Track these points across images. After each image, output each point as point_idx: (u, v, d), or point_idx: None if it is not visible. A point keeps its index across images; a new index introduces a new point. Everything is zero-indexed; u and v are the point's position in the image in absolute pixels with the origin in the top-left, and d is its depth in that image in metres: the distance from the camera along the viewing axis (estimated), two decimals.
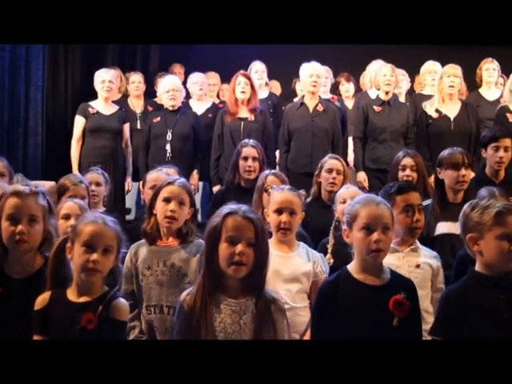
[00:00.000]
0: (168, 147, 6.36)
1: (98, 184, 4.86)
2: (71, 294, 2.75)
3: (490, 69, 7.15)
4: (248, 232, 2.69)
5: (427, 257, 3.68)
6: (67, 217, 3.72)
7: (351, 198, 3.88)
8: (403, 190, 3.74)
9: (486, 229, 2.84)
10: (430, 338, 2.95)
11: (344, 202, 4.11)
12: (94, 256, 2.69)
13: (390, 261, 3.08)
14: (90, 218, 2.79)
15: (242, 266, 2.67)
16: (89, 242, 2.71)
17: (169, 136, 6.39)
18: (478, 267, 2.91)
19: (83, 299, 2.73)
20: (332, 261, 3.81)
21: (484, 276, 2.86)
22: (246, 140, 5.49)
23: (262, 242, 2.73)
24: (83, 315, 2.66)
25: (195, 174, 6.46)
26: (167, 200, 3.48)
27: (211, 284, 2.72)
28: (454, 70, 6.27)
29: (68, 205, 3.80)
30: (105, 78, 6.62)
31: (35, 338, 2.71)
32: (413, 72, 7.91)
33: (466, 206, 3.00)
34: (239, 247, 2.66)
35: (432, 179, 5.18)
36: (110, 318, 2.71)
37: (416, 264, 3.59)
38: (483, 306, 2.79)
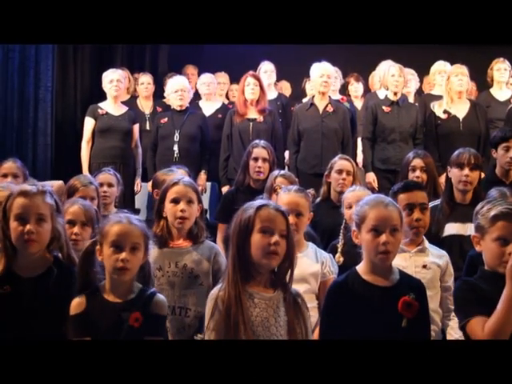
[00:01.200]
0: (175, 148, 6.37)
1: (110, 185, 4.85)
2: (107, 295, 2.78)
3: (501, 69, 7.12)
4: (281, 224, 2.74)
5: (435, 256, 3.67)
6: (72, 223, 3.61)
7: (357, 202, 3.91)
8: (407, 189, 3.75)
9: (484, 231, 2.85)
10: (437, 339, 2.94)
11: (350, 208, 4.09)
12: (123, 255, 2.73)
13: (397, 261, 3.06)
14: (115, 219, 2.82)
15: (276, 255, 2.71)
16: (116, 241, 2.75)
17: (176, 137, 6.39)
18: (486, 266, 2.90)
19: (122, 299, 2.76)
20: (342, 259, 3.81)
21: (493, 274, 2.84)
22: (257, 141, 5.49)
23: (291, 235, 2.79)
24: (131, 314, 2.70)
25: (202, 175, 6.46)
26: (176, 201, 3.48)
27: (243, 277, 2.72)
28: (461, 69, 6.25)
29: (73, 210, 3.66)
30: (113, 78, 6.63)
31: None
32: (422, 72, 7.89)
33: (477, 207, 3.00)
34: (275, 237, 2.69)
35: (442, 179, 5.18)
36: (154, 313, 2.77)
37: (423, 264, 3.58)
38: (493, 300, 2.76)
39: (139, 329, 2.70)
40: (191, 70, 8.26)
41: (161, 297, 2.85)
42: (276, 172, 4.73)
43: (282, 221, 2.75)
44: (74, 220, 3.64)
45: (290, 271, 2.80)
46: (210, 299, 2.76)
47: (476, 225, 2.92)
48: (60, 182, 4.44)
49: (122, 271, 2.73)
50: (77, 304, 2.76)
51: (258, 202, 2.80)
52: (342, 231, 4.06)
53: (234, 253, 2.76)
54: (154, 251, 3.45)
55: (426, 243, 3.69)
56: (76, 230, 3.61)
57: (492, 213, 2.83)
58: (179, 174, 4.51)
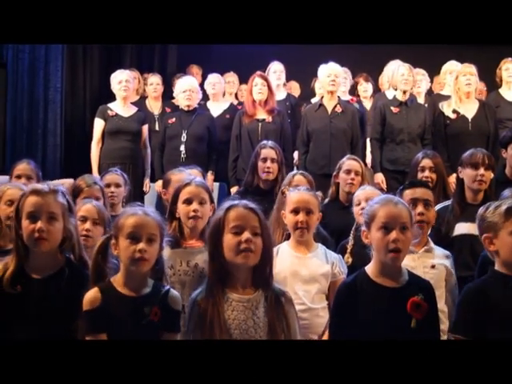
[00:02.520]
0: (182, 148, 6.37)
1: (117, 185, 4.87)
2: (122, 289, 2.77)
3: (509, 69, 7.08)
4: (252, 221, 2.75)
5: (441, 257, 3.68)
6: (83, 220, 3.68)
7: (366, 200, 3.94)
8: (412, 185, 3.79)
9: (498, 227, 2.85)
10: (445, 338, 2.94)
11: (359, 204, 4.11)
12: (140, 245, 2.72)
13: (406, 262, 3.07)
14: (130, 211, 2.82)
15: (250, 252, 2.71)
16: (132, 233, 2.74)
17: (183, 137, 6.39)
18: (497, 266, 2.91)
19: (137, 293, 2.77)
20: (350, 260, 3.81)
21: (504, 275, 2.86)
22: (265, 141, 5.48)
23: (266, 232, 2.79)
24: (152, 308, 2.71)
25: (209, 176, 6.44)
26: (188, 201, 3.49)
27: (219, 280, 2.75)
28: (469, 69, 6.23)
29: (86, 207, 3.75)
30: (121, 79, 6.65)
31: (89, 338, 2.71)
32: (432, 72, 7.87)
33: (480, 209, 3.02)
34: (245, 235, 2.70)
35: (451, 180, 5.17)
36: (171, 308, 2.79)
37: (431, 265, 3.59)
38: (502, 305, 2.78)
39: (157, 323, 2.72)
40: (195, 69, 8.28)
41: (175, 292, 2.87)
42: (294, 171, 4.74)
43: (254, 218, 2.76)
44: (86, 216, 3.69)
45: (268, 268, 2.80)
46: (190, 302, 2.81)
47: (485, 225, 2.91)
48: (70, 180, 4.44)
49: (140, 262, 2.72)
50: (92, 298, 2.74)
51: (227, 203, 2.81)
52: (352, 232, 4.06)
53: (210, 256, 2.80)
54: (166, 251, 3.47)
55: (432, 243, 3.69)
56: (87, 226, 3.65)
57: (504, 207, 2.84)
58: (189, 174, 4.52)
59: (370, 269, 2.91)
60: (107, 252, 2.84)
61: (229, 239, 2.72)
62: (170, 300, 2.80)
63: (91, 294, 2.75)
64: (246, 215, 2.75)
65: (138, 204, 3.03)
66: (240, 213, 2.75)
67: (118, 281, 2.79)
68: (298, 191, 3.72)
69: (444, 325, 3.43)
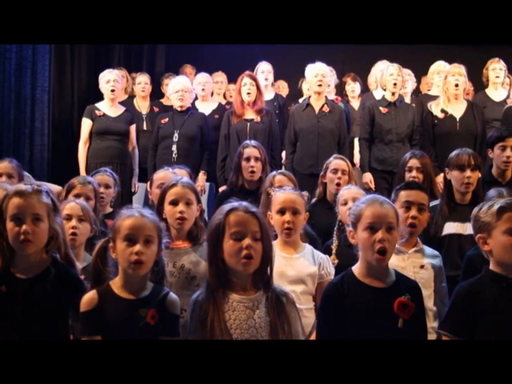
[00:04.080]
0: (174, 148, 6.37)
1: (107, 186, 4.87)
2: (120, 292, 2.76)
3: (496, 69, 7.13)
4: (253, 226, 2.73)
5: (430, 257, 3.68)
6: (69, 218, 3.70)
7: (352, 199, 3.96)
8: (408, 187, 3.78)
9: (491, 227, 2.87)
10: (435, 337, 2.95)
11: (345, 204, 4.11)
12: (137, 247, 2.71)
13: (396, 262, 3.08)
14: (127, 213, 2.80)
15: (251, 259, 2.69)
16: (129, 235, 2.73)
17: (175, 137, 6.39)
18: (491, 266, 2.93)
19: (135, 295, 2.75)
20: (336, 261, 3.81)
21: (498, 275, 2.89)
22: (248, 141, 5.49)
23: (266, 235, 2.77)
24: (148, 311, 2.70)
25: (202, 175, 6.46)
26: (174, 202, 3.49)
27: (219, 282, 2.73)
28: (458, 69, 6.25)
29: (70, 205, 3.78)
30: (109, 78, 6.64)
31: (84, 339, 2.70)
32: (419, 72, 7.89)
33: (474, 209, 3.03)
34: (246, 241, 2.68)
35: (439, 179, 5.18)
36: (169, 312, 2.77)
37: (420, 265, 3.59)
38: (495, 304, 2.81)
39: (154, 327, 2.70)
40: (189, 69, 8.27)
41: (174, 296, 2.84)
42: (275, 172, 4.73)
43: (254, 222, 2.74)
44: (70, 214, 3.71)
45: (269, 270, 2.80)
46: (190, 304, 2.79)
47: (479, 225, 2.94)
48: (58, 188, 4.43)
49: (137, 265, 2.70)
50: (89, 300, 2.72)
51: (227, 206, 2.78)
52: (335, 232, 4.08)
53: (209, 259, 2.78)
54: None
55: (421, 243, 3.70)
56: (73, 223, 3.66)
57: (496, 207, 2.87)
58: (173, 172, 4.52)
59: (356, 269, 2.91)
60: (106, 255, 2.82)
61: (230, 245, 2.70)
62: (168, 303, 2.78)
63: (88, 296, 2.74)
64: (247, 220, 2.73)
65: (134, 206, 3.01)
66: (241, 217, 2.72)
67: (116, 284, 2.78)
68: (283, 191, 3.70)
69: (433, 324, 3.44)
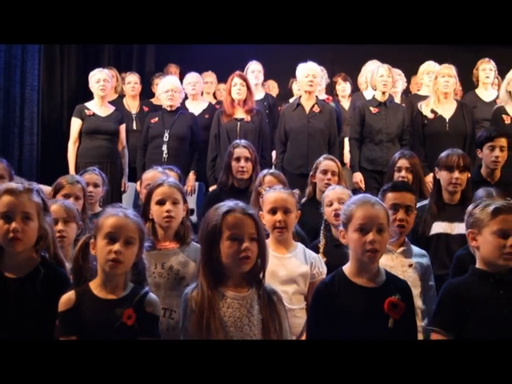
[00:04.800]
0: (164, 148, 6.36)
1: (95, 185, 4.86)
2: (98, 291, 2.75)
3: (486, 69, 7.14)
4: (249, 227, 2.74)
5: (418, 256, 3.70)
6: (54, 221, 3.57)
7: (338, 200, 3.99)
8: (396, 188, 3.78)
9: (483, 224, 2.91)
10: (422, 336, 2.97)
11: (331, 205, 4.12)
12: (116, 246, 2.70)
13: (384, 261, 3.09)
14: (111, 212, 2.80)
15: (248, 260, 2.71)
16: (110, 233, 2.72)
17: (166, 136, 6.38)
18: (478, 264, 2.97)
19: (114, 295, 2.74)
20: (324, 260, 3.82)
21: (484, 272, 2.92)
22: (238, 141, 5.49)
23: (261, 235, 2.79)
24: (124, 311, 2.68)
25: (192, 175, 6.47)
26: (161, 202, 3.49)
27: (212, 281, 2.73)
28: (449, 70, 6.27)
29: (54, 209, 3.64)
30: (100, 77, 6.61)
31: (62, 339, 2.69)
32: (409, 72, 7.91)
33: (470, 206, 3.07)
34: (245, 244, 2.69)
35: (428, 179, 5.20)
36: (147, 312, 2.75)
37: (409, 264, 3.60)
38: (483, 301, 2.84)
39: (132, 327, 2.69)
40: (173, 69, 8.27)
41: (153, 296, 2.83)
42: (265, 171, 4.73)
43: (251, 224, 2.75)
44: (55, 218, 3.63)
45: (262, 270, 2.81)
46: (184, 300, 2.78)
47: (472, 221, 2.97)
48: (49, 189, 4.41)
49: (114, 264, 2.69)
50: (66, 300, 2.72)
51: (224, 206, 2.77)
52: (322, 232, 4.09)
53: (203, 260, 2.78)
54: None
55: (409, 243, 3.71)
56: (59, 227, 3.63)
57: (492, 207, 2.90)
58: (162, 172, 4.52)
59: (347, 269, 2.92)
60: (88, 251, 2.81)
61: (227, 247, 2.70)
62: (147, 303, 2.76)
63: (66, 296, 2.73)
64: (244, 222, 2.74)
65: (120, 205, 3.00)
66: (238, 219, 2.73)
67: (94, 283, 2.77)
68: (274, 191, 3.70)
69: (421, 323, 3.45)
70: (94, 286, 2.76)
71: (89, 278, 2.80)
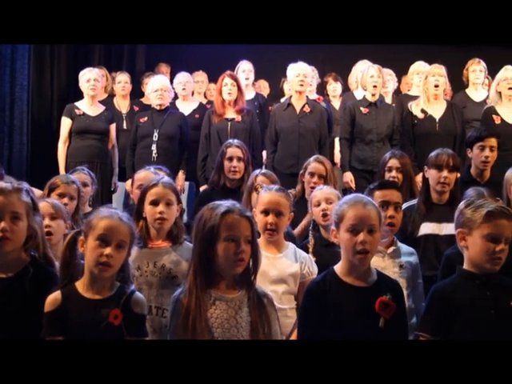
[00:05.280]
0: (154, 147, 6.35)
1: (84, 184, 4.83)
2: (84, 291, 2.74)
3: (476, 70, 7.17)
4: (246, 230, 2.74)
5: (407, 254, 3.72)
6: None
7: (325, 200, 4.00)
8: (383, 186, 3.79)
9: (475, 226, 2.90)
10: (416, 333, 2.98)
11: (318, 205, 4.13)
12: (108, 250, 2.69)
13: (375, 262, 3.09)
14: (105, 213, 2.78)
15: (243, 262, 2.71)
16: (103, 236, 2.71)
17: (155, 136, 6.37)
18: (465, 265, 2.97)
19: (101, 295, 2.73)
20: (314, 259, 3.83)
21: (472, 274, 2.93)
22: (231, 140, 5.49)
23: (255, 238, 2.79)
24: (110, 311, 2.67)
25: (181, 175, 6.45)
26: (155, 202, 3.48)
27: (204, 281, 2.72)
28: (439, 70, 6.28)
29: (40, 206, 3.70)
30: (90, 77, 6.60)
31: (48, 339, 2.68)
32: (399, 72, 7.92)
33: (461, 203, 3.07)
34: (241, 245, 2.70)
35: (418, 179, 5.21)
36: (134, 312, 2.74)
37: (400, 264, 3.61)
38: (470, 303, 2.85)
39: (118, 327, 2.68)
40: (164, 68, 8.25)
41: (140, 295, 2.83)
42: (257, 171, 4.72)
43: (247, 226, 2.75)
44: (42, 214, 3.64)
45: (253, 272, 2.81)
46: (172, 301, 2.78)
47: (463, 220, 2.96)
48: (39, 192, 4.40)
49: (104, 267, 2.69)
50: (52, 300, 2.72)
51: (222, 207, 2.76)
52: (310, 232, 4.09)
53: (197, 259, 2.76)
54: (133, 251, 3.45)
55: (398, 242, 3.72)
56: (46, 222, 3.61)
57: (486, 209, 2.89)
58: (155, 172, 4.50)
59: (338, 268, 2.92)
60: (76, 247, 2.80)
61: (224, 248, 2.70)
62: (133, 303, 2.76)
63: (52, 296, 2.73)
64: (242, 223, 2.73)
65: (114, 207, 2.98)
66: (236, 221, 2.72)
67: (81, 284, 2.77)
68: (269, 191, 3.67)
69: (411, 321, 3.46)
70: (81, 286, 2.76)
71: (75, 274, 2.79)
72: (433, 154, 4.50)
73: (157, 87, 6.52)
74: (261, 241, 3.54)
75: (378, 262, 3.33)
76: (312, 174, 4.93)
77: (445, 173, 4.34)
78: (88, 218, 2.87)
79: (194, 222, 2.86)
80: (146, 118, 6.54)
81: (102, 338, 2.61)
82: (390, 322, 2.80)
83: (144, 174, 4.51)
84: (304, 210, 4.61)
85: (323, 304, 2.81)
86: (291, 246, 3.67)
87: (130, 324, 2.71)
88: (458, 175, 4.49)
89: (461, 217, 2.98)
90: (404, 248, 3.74)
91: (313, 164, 5.00)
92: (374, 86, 6.41)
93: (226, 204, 2.78)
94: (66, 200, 4.18)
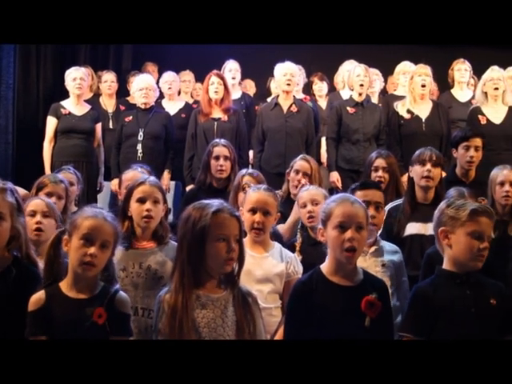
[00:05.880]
0: (139, 146, 6.34)
1: (70, 184, 4.79)
2: (68, 291, 2.74)
3: (461, 69, 7.21)
4: (235, 229, 2.75)
5: (390, 253, 3.74)
6: (33, 214, 3.67)
7: (311, 201, 3.99)
8: (364, 186, 3.81)
9: (458, 224, 2.92)
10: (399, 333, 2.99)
11: (304, 206, 4.13)
12: (92, 250, 2.69)
13: (358, 262, 3.10)
14: (90, 213, 2.78)
15: (232, 261, 2.74)
16: (87, 235, 2.71)
17: (140, 135, 6.35)
18: (445, 265, 3.00)
19: (85, 295, 2.73)
20: (300, 258, 3.85)
21: (451, 273, 2.96)
22: (217, 139, 5.49)
23: (242, 237, 2.82)
24: (94, 310, 2.66)
25: (166, 174, 6.44)
26: (142, 200, 3.47)
27: (191, 281, 2.72)
28: (425, 70, 6.31)
29: (34, 202, 3.75)
30: (76, 76, 6.59)
31: (31, 339, 2.67)
32: (386, 72, 7.95)
33: (442, 203, 3.09)
34: (232, 244, 2.71)
35: (404, 179, 5.23)
36: (118, 311, 2.74)
37: (382, 263, 3.63)
38: (451, 302, 2.87)
39: (102, 326, 2.67)
40: (151, 67, 8.22)
41: (124, 294, 2.82)
42: (244, 171, 4.74)
43: (236, 225, 2.76)
44: (35, 210, 3.68)
45: (238, 272, 2.82)
46: (157, 302, 2.77)
47: (445, 219, 2.98)
48: (24, 192, 4.39)
49: (88, 267, 2.69)
50: (35, 300, 2.71)
51: (212, 206, 2.75)
52: (298, 230, 4.10)
53: (185, 259, 2.75)
54: (118, 251, 3.42)
55: (381, 241, 3.73)
56: (38, 218, 3.64)
57: (470, 208, 2.92)
58: (142, 172, 4.50)
59: (325, 267, 2.92)
60: (59, 247, 2.80)
61: (215, 248, 2.70)
62: (117, 302, 2.75)
63: (35, 296, 2.72)
64: (232, 223, 2.75)
65: (99, 207, 2.98)
66: (227, 220, 2.74)
67: (64, 283, 2.76)
68: (257, 190, 3.68)
69: (395, 320, 3.47)
70: (64, 285, 2.75)
71: (60, 273, 2.78)
72: (416, 153, 4.55)
73: (142, 86, 6.51)
74: (247, 240, 3.54)
75: (359, 262, 3.33)
76: (297, 172, 4.94)
77: (428, 166, 4.38)
78: (72, 217, 2.86)
79: (179, 222, 2.86)
80: (131, 117, 6.52)
81: (86, 338, 2.61)
82: (376, 321, 2.81)
83: (132, 174, 4.50)
84: (289, 211, 4.62)
85: (309, 303, 2.82)
86: (277, 245, 3.68)
87: (114, 323, 2.71)
88: (443, 174, 4.51)
89: (443, 216, 3.00)
90: (387, 246, 3.76)
91: (299, 162, 5.01)
92: (361, 85, 6.42)
93: (214, 203, 2.78)
94: (53, 199, 4.17)
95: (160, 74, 7.73)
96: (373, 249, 3.67)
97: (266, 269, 3.51)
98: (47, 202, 3.80)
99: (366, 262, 3.56)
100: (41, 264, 3.04)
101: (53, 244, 2.82)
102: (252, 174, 4.71)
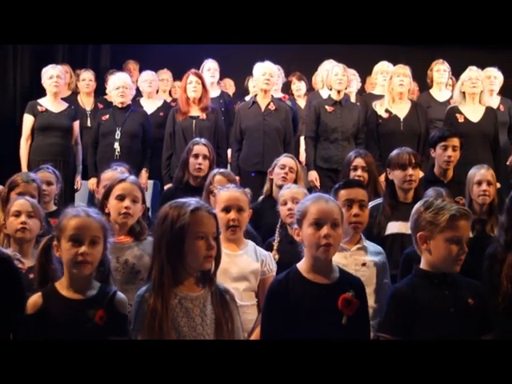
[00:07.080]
0: (116, 145, 6.30)
1: (49, 183, 4.80)
2: (65, 292, 2.73)
3: (440, 70, 7.26)
4: (213, 227, 2.75)
5: (373, 254, 3.72)
6: (18, 214, 3.70)
7: (293, 200, 4.00)
8: (348, 185, 3.80)
9: (437, 230, 2.93)
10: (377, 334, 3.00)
11: (285, 204, 4.16)
12: (82, 248, 2.69)
13: (337, 259, 3.11)
14: (73, 212, 2.77)
15: (211, 258, 2.73)
16: (75, 235, 2.70)
17: (117, 134, 6.32)
18: (422, 265, 3.01)
19: (82, 295, 2.72)
20: (277, 257, 3.86)
21: (429, 273, 2.97)
22: (198, 138, 5.50)
23: (219, 236, 2.82)
24: (96, 312, 2.67)
25: (144, 173, 6.42)
26: (121, 197, 3.47)
27: (171, 280, 2.71)
28: (404, 70, 6.33)
29: (19, 202, 3.77)
30: (52, 74, 6.54)
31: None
32: (363, 72, 7.98)
33: (419, 204, 3.10)
34: (210, 242, 2.71)
35: (382, 178, 5.24)
36: (117, 312, 2.75)
37: (362, 262, 3.63)
38: (430, 302, 2.89)
39: (103, 327, 2.67)
40: (132, 65, 8.19)
41: (122, 295, 2.83)
42: (215, 170, 4.75)
43: (214, 223, 2.76)
44: (19, 210, 3.71)
45: (215, 269, 2.81)
46: (136, 301, 2.75)
47: (423, 224, 2.99)
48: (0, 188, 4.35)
49: (83, 265, 2.69)
50: (33, 302, 2.70)
51: (189, 205, 2.74)
52: (277, 229, 4.12)
53: (164, 257, 2.72)
54: None
55: (365, 241, 3.73)
56: (22, 218, 3.66)
57: (449, 213, 2.92)
58: (121, 172, 4.49)
59: (301, 266, 2.93)
60: (51, 252, 2.79)
61: (195, 245, 2.69)
62: (117, 303, 2.77)
63: (32, 299, 2.72)
64: (210, 220, 2.74)
65: (82, 205, 2.97)
66: (205, 218, 2.73)
67: (61, 284, 2.75)
68: (227, 189, 3.72)
69: (372, 321, 3.48)
70: (61, 286, 2.75)
71: (53, 278, 2.78)
72: (393, 154, 4.53)
73: (118, 85, 6.48)
74: (221, 238, 3.53)
75: (339, 259, 3.35)
76: (283, 166, 4.98)
77: (409, 171, 4.38)
78: (57, 221, 2.85)
79: (155, 221, 2.84)
80: (107, 116, 6.48)
81: (85, 339, 2.60)
82: (353, 319, 2.81)
83: (110, 174, 4.50)
84: (272, 210, 4.62)
85: (286, 302, 2.82)
86: (251, 243, 3.69)
87: (113, 324, 2.72)
88: (421, 172, 4.52)
89: (421, 220, 3.00)
90: (372, 247, 3.75)
91: (283, 158, 5.07)
92: (340, 83, 6.43)
93: (192, 202, 2.77)
94: None
95: (141, 72, 7.70)
96: (355, 247, 3.66)
97: (241, 266, 3.52)
98: (32, 202, 3.81)
99: (345, 260, 3.55)
100: (28, 261, 3.17)
101: (43, 250, 2.82)
102: (223, 173, 4.74)
